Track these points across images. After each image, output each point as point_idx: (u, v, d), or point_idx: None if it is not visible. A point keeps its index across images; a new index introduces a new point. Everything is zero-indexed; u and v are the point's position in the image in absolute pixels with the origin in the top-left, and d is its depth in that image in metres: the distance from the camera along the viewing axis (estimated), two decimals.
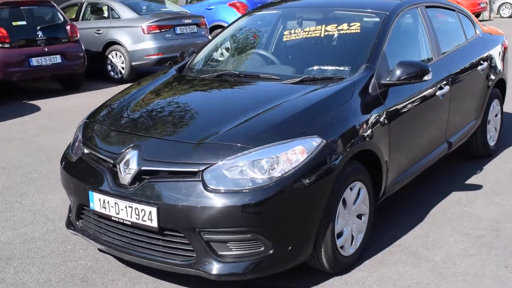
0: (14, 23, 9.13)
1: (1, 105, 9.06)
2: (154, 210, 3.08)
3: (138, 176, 3.18)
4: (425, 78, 3.81)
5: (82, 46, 9.93)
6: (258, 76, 3.98)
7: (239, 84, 3.95)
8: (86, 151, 3.57)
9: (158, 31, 10.45)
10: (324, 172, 3.16)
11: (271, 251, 3.07)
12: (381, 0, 4.66)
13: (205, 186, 3.02)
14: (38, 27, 9.31)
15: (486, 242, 3.87)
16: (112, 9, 11.02)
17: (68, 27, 9.72)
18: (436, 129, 4.47)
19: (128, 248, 3.28)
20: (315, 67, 4.00)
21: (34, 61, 9.13)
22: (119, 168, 3.26)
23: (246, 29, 4.77)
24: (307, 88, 3.65)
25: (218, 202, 2.98)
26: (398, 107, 3.89)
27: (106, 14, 11.20)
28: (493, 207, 4.43)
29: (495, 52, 5.50)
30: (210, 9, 12.82)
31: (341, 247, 3.44)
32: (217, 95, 3.88)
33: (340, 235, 3.41)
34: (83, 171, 3.50)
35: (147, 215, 3.11)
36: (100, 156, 3.43)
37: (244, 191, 2.99)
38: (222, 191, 3.00)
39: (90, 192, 3.35)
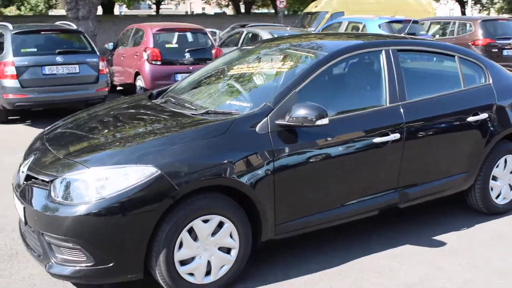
0: (167, 45, 9.93)
1: None
2: (22, 208, 3.20)
3: (29, 179, 3.32)
4: (319, 123, 3.29)
5: None
6: (184, 105, 3.81)
7: (163, 111, 3.80)
8: None
9: None
10: (151, 201, 2.98)
11: (91, 263, 3.00)
12: (342, 41, 4.06)
13: (49, 195, 3.05)
14: (187, 49, 9.97)
15: None
16: (261, 38, 11.27)
17: (213, 51, 10.24)
18: (372, 176, 3.77)
19: (24, 238, 3.43)
20: (228, 101, 3.70)
21: (179, 77, 9.79)
22: (20, 170, 3.44)
23: (224, 61, 4.54)
24: (197, 121, 3.41)
25: (52, 210, 3.03)
26: (298, 149, 3.40)
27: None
28: (425, 267, 3.64)
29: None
30: None
31: (191, 274, 3.15)
32: (131, 119, 3.81)
33: (187, 262, 3.14)
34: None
35: (22, 212, 3.24)
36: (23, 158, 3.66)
37: (70, 204, 2.98)
38: (57, 201, 3.03)
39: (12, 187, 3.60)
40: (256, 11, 38.62)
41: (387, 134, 3.73)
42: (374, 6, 18.09)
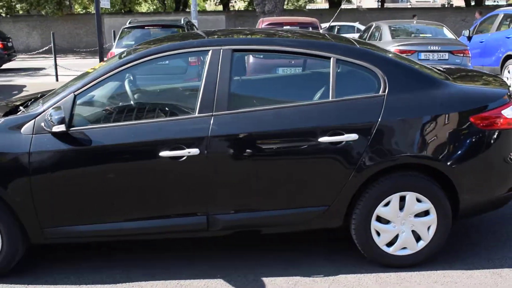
0: None
1: None
2: None
3: None
4: (55, 129, 2.92)
5: None
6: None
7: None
8: None
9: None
10: None
11: None
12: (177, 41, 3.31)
13: None
14: None
15: None
16: (381, 31, 9.97)
17: None
18: (165, 195, 3.06)
19: None
20: (39, 101, 3.41)
21: (280, 70, 9.34)
22: None
23: None
24: None
25: None
26: (59, 155, 2.99)
27: (376, 36, 10.17)
28: None
29: (416, 122, 3.08)
30: (509, 37, 9.75)
31: None
32: None
33: None
34: None
35: None
36: None
37: None
38: None
39: None
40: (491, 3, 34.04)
41: (181, 148, 3.01)
42: None
